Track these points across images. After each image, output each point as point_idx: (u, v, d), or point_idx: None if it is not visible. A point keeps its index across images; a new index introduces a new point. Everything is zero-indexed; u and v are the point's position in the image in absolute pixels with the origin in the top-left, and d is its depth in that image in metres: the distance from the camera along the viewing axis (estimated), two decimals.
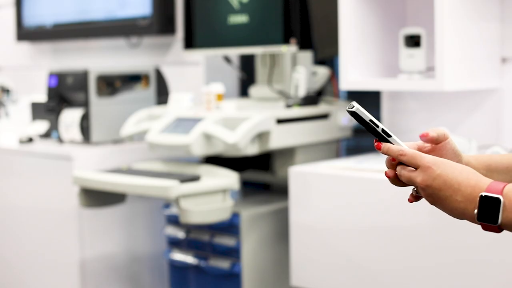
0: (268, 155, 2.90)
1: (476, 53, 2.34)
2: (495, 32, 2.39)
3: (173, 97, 2.96)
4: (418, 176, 1.12)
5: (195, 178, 2.54)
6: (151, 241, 3.19)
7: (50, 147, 3.11)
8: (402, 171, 1.15)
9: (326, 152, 2.87)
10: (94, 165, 2.95)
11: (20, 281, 3.26)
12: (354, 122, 2.86)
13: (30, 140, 3.25)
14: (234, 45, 2.95)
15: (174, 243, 2.90)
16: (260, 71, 3.01)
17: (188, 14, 3.06)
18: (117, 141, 3.13)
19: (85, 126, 3.05)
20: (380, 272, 2.26)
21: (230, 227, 2.71)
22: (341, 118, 2.82)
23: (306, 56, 2.92)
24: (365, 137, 3.18)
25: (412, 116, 2.64)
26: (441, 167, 1.11)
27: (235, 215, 2.69)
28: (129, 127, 2.87)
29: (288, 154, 2.80)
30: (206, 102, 2.81)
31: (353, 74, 2.46)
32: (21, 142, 3.24)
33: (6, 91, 3.69)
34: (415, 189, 1.17)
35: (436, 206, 1.13)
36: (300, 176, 2.44)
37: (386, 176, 1.18)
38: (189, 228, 2.84)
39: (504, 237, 2.01)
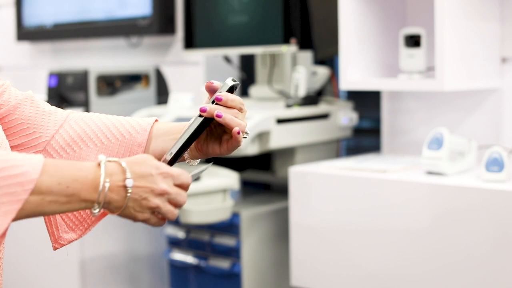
0: (268, 155, 2.91)
1: (476, 53, 2.34)
2: (495, 32, 2.39)
3: (173, 97, 2.96)
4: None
5: (195, 178, 2.54)
6: (151, 241, 3.19)
7: None
8: None
9: (326, 152, 2.87)
10: None
11: (21, 281, 3.26)
12: (354, 122, 2.86)
13: None
14: (234, 45, 2.95)
15: (174, 243, 2.90)
16: (260, 71, 3.01)
17: (188, 14, 3.06)
18: None
19: None
20: (380, 272, 2.26)
21: (230, 227, 2.71)
22: (341, 118, 2.82)
23: (306, 56, 2.92)
24: (365, 137, 3.18)
25: (412, 116, 2.64)
26: None
27: (235, 215, 2.69)
28: None
29: (288, 154, 2.80)
30: (206, 102, 2.81)
31: (353, 74, 2.46)
32: None
33: None
34: None
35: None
36: (300, 176, 2.44)
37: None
38: (189, 228, 2.84)
39: (505, 238, 2.01)
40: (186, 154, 1.20)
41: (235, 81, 1.18)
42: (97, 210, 0.99)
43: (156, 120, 1.24)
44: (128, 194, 1.00)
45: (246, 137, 1.20)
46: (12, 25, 4.09)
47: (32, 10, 3.90)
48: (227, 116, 1.14)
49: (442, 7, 2.20)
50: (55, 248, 1.23)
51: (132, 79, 3.22)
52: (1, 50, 4.26)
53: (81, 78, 3.05)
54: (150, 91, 3.24)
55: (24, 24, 3.94)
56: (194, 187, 2.50)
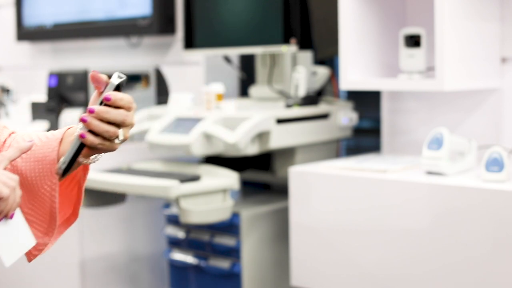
0: (268, 155, 2.90)
1: (476, 53, 2.34)
2: (495, 32, 2.39)
3: (173, 97, 2.96)
4: None
5: (195, 178, 2.54)
6: (151, 241, 3.19)
7: None
8: None
9: (326, 152, 2.87)
10: (94, 165, 2.94)
11: (20, 281, 3.26)
12: (354, 122, 2.86)
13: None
14: (234, 45, 2.95)
15: (174, 243, 2.90)
16: (260, 71, 3.01)
17: (188, 14, 3.06)
18: None
19: None
20: (380, 272, 2.26)
21: (230, 227, 2.71)
22: (341, 118, 2.82)
23: (306, 56, 2.92)
24: (365, 137, 3.18)
25: (412, 116, 2.64)
26: None
27: (235, 215, 2.69)
28: None
29: (288, 154, 2.80)
30: (206, 102, 2.81)
31: (353, 74, 2.46)
32: None
33: (6, 91, 3.69)
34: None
35: None
36: (300, 176, 2.44)
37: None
38: (189, 228, 2.84)
39: (505, 238, 2.01)
40: (80, 158, 1.22)
41: (121, 77, 1.16)
42: None
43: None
44: None
45: (120, 142, 1.20)
46: (12, 25, 4.09)
47: (32, 10, 3.90)
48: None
49: (442, 7, 2.20)
50: (31, 259, 1.28)
51: (132, 79, 3.22)
52: (1, 50, 4.26)
53: (81, 78, 3.05)
54: (150, 91, 3.24)
55: (24, 24, 3.94)
56: (194, 187, 2.50)
